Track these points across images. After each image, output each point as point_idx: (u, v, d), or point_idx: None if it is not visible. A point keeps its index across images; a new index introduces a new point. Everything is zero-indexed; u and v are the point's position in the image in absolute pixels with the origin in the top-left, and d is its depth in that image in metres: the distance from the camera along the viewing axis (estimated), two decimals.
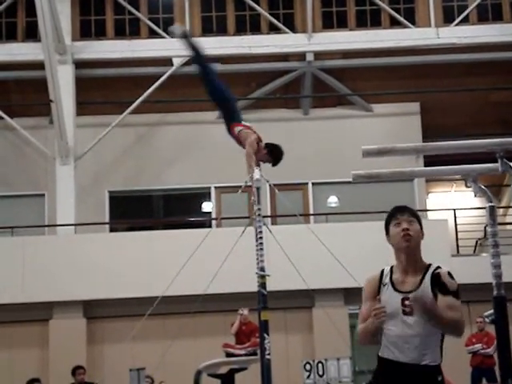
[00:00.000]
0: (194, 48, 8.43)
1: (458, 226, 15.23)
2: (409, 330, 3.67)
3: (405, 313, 3.68)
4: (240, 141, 8.24)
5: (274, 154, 8.25)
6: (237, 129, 8.15)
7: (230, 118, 8.34)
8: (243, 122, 8.26)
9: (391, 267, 3.82)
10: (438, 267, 3.79)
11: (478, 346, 12.61)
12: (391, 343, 3.70)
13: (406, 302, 3.67)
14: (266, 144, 8.23)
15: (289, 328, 14.04)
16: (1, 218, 15.50)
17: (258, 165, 8.32)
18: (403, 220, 3.77)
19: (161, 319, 13.05)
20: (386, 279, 3.77)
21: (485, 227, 13.28)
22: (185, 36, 8.41)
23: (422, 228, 3.81)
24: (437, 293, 3.71)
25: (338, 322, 11.93)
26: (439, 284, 3.73)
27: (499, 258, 5.38)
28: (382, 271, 3.82)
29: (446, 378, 3.84)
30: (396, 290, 3.72)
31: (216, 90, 8.41)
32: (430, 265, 3.80)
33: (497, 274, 5.05)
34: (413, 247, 3.75)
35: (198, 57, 8.51)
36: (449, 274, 3.80)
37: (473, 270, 13.14)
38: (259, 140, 8.15)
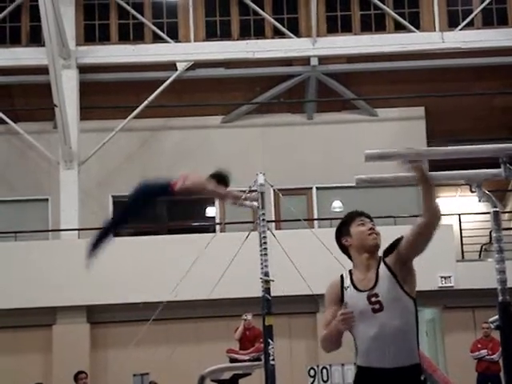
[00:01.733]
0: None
1: (463, 231, 15.17)
2: (385, 327, 3.54)
3: (374, 310, 3.58)
4: (197, 191, 7.80)
5: (221, 180, 7.91)
6: (178, 186, 7.66)
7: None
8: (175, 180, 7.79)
9: (349, 270, 3.76)
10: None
11: (483, 352, 12.54)
12: (370, 349, 3.57)
13: (373, 299, 3.58)
14: (210, 176, 7.85)
15: (293, 333, 13.99)
16: (4, 222, 15.49)
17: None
18: (366, 221, 3.78)
19: (164, 324, 13.01)
20: (347, 282, 3.69)
21: (490, 232, 13.23)
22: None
23: None
24: (397, 262, 3.67)
25: None
26: (391, 249, 3.74)
27: (504, 263, 5.34)
28: (342, 275, 3.76)
29: (447, 380, 3.78)
30: (359, 290, 3.64)
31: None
32: (380, 256, 3.78)
33: (502, 279, 5.02)
34: (378, 246, 3.75)
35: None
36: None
37: (478, 276, 13.09)
38: (201, 179, 7.77)
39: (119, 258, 13.83)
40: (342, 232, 3.80)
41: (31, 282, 13.60)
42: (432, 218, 3.78)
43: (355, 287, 3.64)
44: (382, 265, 3.69)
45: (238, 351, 11.40)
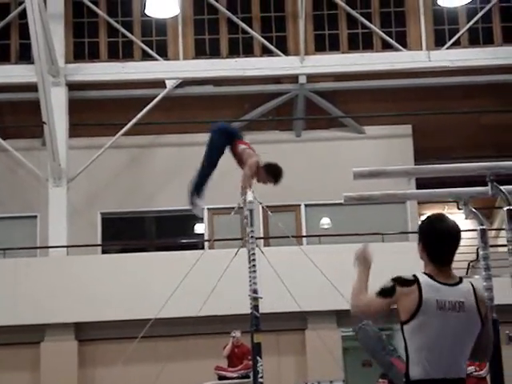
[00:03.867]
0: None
1: None
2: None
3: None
4: (241, 159, 8.14)
5: (272, 173, 8.16)
6: (240, 147, 8.04)
7: (231, 140, 8.15)
8: (245, 141, 8.19)
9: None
10: None
11: (471, 369, 12.56)
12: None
13: None
14: (264, 165, 8.14)
15: (282, 350, 13.98)
16: None
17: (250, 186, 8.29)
18: None
19: (153, 342, 12.98)
20: None
21: (477, 249, 13.29)
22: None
23: None
24: None
25: (330, 344, 11.90)
26: None
27: (491, 280, 5.39)
28: None
29: None
30: None
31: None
32: None
33: (489, 297, 5.06)
34: None
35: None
36: None
37: None
38: (258, 164, 8.07)
39: (107, 275, 13.83)
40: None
41: (19, 299, 13.56)
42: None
43: None
44: None
45: (226, 368, 11.40)
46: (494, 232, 17.34)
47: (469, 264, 15.79)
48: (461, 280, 3.46)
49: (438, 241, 3.44)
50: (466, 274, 15.64)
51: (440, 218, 3.53)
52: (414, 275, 3.40)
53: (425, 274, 3.42)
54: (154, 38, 15.71)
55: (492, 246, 10.55)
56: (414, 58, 15.31)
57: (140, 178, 16.03)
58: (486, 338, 3.42)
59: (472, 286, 3.45)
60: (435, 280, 3.38)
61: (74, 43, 15.65)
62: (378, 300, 3.38)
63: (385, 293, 3.38)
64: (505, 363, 4.95)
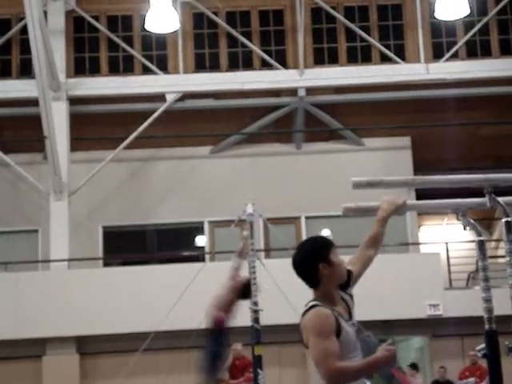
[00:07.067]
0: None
1: (451, 259, 15.28)
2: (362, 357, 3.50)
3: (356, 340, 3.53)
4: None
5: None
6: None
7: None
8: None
9: (315, 300, 3.54)
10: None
11: (471, 380, 12.60)
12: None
13: (356, 329, 3.52)
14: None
15: (283, 363, 13.98)
16: None
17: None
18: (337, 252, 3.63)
19: (154, 354, 13.01)
20: (335, 312, 3.47)
21: (477, 260, 13.34)
22: None
23: None
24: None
25: None
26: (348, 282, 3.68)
27: (490, 292, 5.43)
28: (320, 305, 3.49)
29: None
30: (346, 320, 3.50)
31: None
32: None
33: (488, 308, 5.10)
34: None
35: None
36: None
37: (466, 304, 13.15)
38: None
39: (108, 288, 13.86)
40: (321, 257, 3.49)
41: (21, 313, 13.58)
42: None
43: (342, 317, 3.49)
44: (346, 296, 3.63)
45: (227, 381, 11.40)
46: (493, 243, 17.39)
47: (469, 275, 15.85)
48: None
49: None
50: (467, 284, 15.69)
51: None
52: None
53: None
54: (155, 52, 15.80)
55: (492, 256, 10.62)
56: (412, 71, 15.41)
57: (141, 192, 16.09)
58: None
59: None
60: None
61: (75, 58, 15.74)
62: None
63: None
64: (505, 375, 4.99)
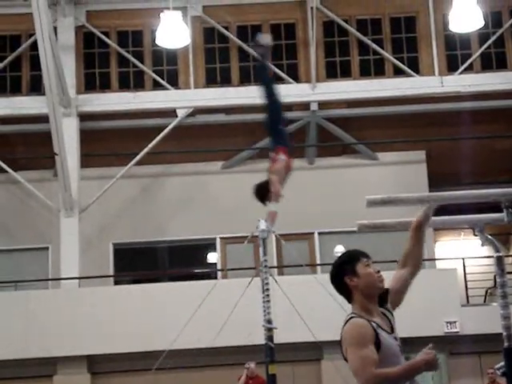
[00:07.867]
0: (264, 61, 8.92)
1: (468, 275, 15.02)
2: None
3: (401, 353, 3.54)
4: (273, 164, 8.69)
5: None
6: (280, 156, 8.63)
7: (278, 141, 8.72)
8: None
9: (354, 313, 3.57)
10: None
11: None
12: None
13: (398, 343, 3.54)
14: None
15: (297, 381, 13.76)
16: (4, 271, 15.37)
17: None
18: (371, 263, 3.65)
19: (166, 373, 12.81)
20: (373, 324, 3.50)
21: (494, 276, 13.10)
22: (264, 49, 8.87)
23: None
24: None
25: (347, 374, 11.64)
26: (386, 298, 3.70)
27: (509, 308, 5.23)
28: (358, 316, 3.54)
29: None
30: (387, 332, 3.51)
31: (276, 107, 8.78)
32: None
33: (506, 325, 4.90)
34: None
35: (265, 72, 9.05)
36: None
37: (483, 320, 12.92)
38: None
39: (119, 307, 13.69)
40: (345, 270, 3.59)
41: (31, 331, 13.44)
42: None
43: (382, 329, 3.49)
44: (387, 311, 3.64)
45: None
46: (511, 259, 17.10)
47: (486, 291, 15.58)
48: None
49: None
50: (484, 301, 15.42)
51: None
52: None
53: None
54: (165, 68, 15.71)
55: (509, 272, 10.38)
56: (426, 84, 15.22)
57: (152, 208, 15.95)
58: None
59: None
60: None
61: (85, 74, 15.67)
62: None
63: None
64: None
